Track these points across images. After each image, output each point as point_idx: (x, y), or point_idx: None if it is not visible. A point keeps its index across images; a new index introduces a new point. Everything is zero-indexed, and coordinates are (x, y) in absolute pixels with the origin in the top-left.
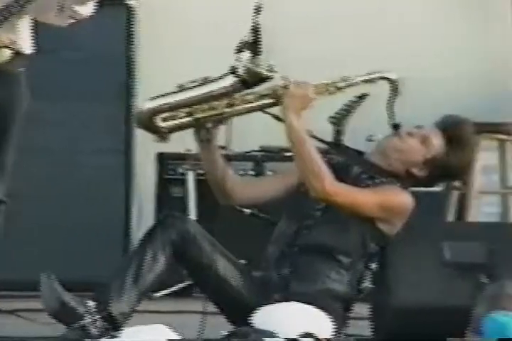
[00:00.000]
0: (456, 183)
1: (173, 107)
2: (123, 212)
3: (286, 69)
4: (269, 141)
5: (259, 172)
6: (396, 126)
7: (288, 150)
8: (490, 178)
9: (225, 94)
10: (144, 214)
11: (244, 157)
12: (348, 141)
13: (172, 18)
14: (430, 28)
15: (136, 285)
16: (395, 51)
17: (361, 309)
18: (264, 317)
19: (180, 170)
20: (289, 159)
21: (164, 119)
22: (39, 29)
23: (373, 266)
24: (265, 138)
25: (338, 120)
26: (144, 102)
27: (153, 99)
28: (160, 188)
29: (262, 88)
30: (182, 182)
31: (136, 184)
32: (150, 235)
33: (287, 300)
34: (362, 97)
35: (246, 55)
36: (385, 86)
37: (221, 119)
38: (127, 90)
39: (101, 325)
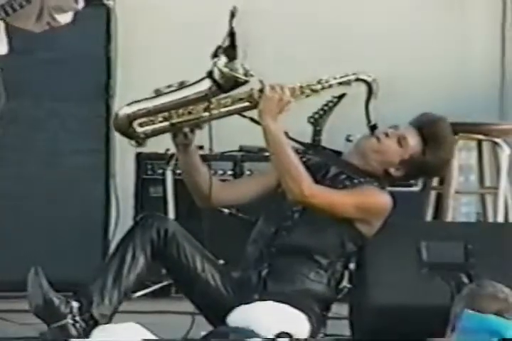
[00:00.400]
0: (434, 183)
1: (150, 113)
2: (102, 212)
3: (262, 72)
4: (248, 141)
5: (238, 172)
6: (373, 127)
7: (267, 150)
8: (468, 178)
9: (202, 98)
10: (122, 214)
11: (223, 157)
12: (326, 140)
13: (152, 19)
14: (409, 29)
15: (117, 286)
16: (372, 53)
17: (340, 309)
18: (240, 316)
19: (159, 170)
20: (268, 159)
21: (141, 124)
22: (17, 29)
23: (352, 265)
24: (244, 138)
25: (317, 120)
26: (121, 108)
27: (130, 104)
28: (139, 188)
29: (238, 92)
30: (161, 182)
31: (115, 184)
32: (130, 235)
33: (266, 300)
34: (340, 97)
35: (222, 59)
36: (363, 86)
37: (198, 123)
38: (106, 90)
39: (81, 326)
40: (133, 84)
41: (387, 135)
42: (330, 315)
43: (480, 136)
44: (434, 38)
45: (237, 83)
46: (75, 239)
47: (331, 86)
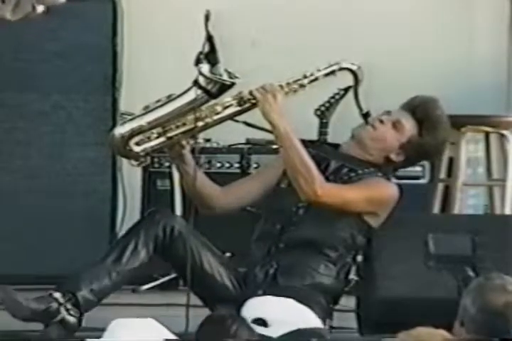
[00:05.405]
0: (442, 175)
1: (144, 130)
2: (109, 205)
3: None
4: (254, 134)
5: (245, 165)
6: (366, 115)
7: (273, 143)
8: (475, 170)
9: (192, 108)
10: (130, 207)
11: (229, 150)
12: (332, 133)
13: (158, 11)
14: (409, 20)
15: (109, 276)
16: (384, 48)
17: (347, 301)
18: (248, 312)
19: (166, 163)
20: (275, 152)
21: (137, 143)
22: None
23: (359, 258)
24: (251, 131)
25: (323, 112)
26: (115, 129)
27: (122, 124)
28: (146, 181)
29: (226, 97)
30: (168, 175)
31: (122, 177)
32: (135, 229)
33: (272, 294)
34: (347, 90)
35: (205, 65)
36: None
37: (193, 133)
38: (112, 83)
39: (76, 312)
40: (139, 77)
41: (381, 121)
42: (337, 307)
43: (487, 129)
44: (443, 29)
45: (224, 87)
46: (82, 232)
47: (317, 78)
